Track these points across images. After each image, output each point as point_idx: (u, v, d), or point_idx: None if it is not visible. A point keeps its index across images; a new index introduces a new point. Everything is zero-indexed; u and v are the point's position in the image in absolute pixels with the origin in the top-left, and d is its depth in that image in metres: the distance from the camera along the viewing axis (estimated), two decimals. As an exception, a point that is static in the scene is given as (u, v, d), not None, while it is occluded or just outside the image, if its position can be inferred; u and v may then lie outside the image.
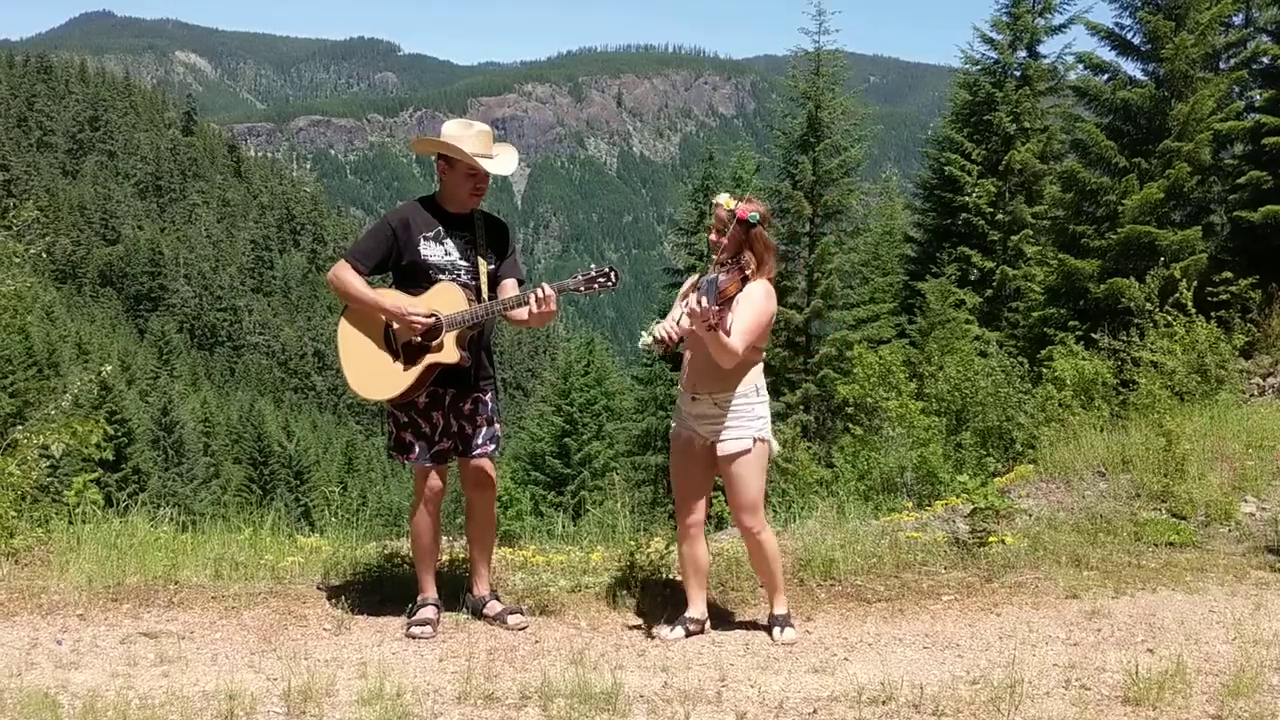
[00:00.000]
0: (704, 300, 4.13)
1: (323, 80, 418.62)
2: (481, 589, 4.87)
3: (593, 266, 4.54)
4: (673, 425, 4.77)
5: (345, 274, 4.58)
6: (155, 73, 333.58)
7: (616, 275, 4.54)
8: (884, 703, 3.97)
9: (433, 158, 4.74)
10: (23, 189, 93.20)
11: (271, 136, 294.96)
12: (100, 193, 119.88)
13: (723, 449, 4.55)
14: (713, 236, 4.60)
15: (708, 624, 4.75)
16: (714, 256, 4.62)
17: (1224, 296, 11.93)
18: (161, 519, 5.94)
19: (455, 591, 4.91)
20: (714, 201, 4.62)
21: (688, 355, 4.63)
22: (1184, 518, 6.45)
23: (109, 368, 10.73)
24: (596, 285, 4.51)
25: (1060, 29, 21.27)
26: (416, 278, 4.58)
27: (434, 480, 4.71)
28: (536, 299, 4.43)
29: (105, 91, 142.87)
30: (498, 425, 4.81)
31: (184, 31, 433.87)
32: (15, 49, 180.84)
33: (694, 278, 4.85)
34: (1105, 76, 15.80)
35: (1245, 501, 6.72)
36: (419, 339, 4.49)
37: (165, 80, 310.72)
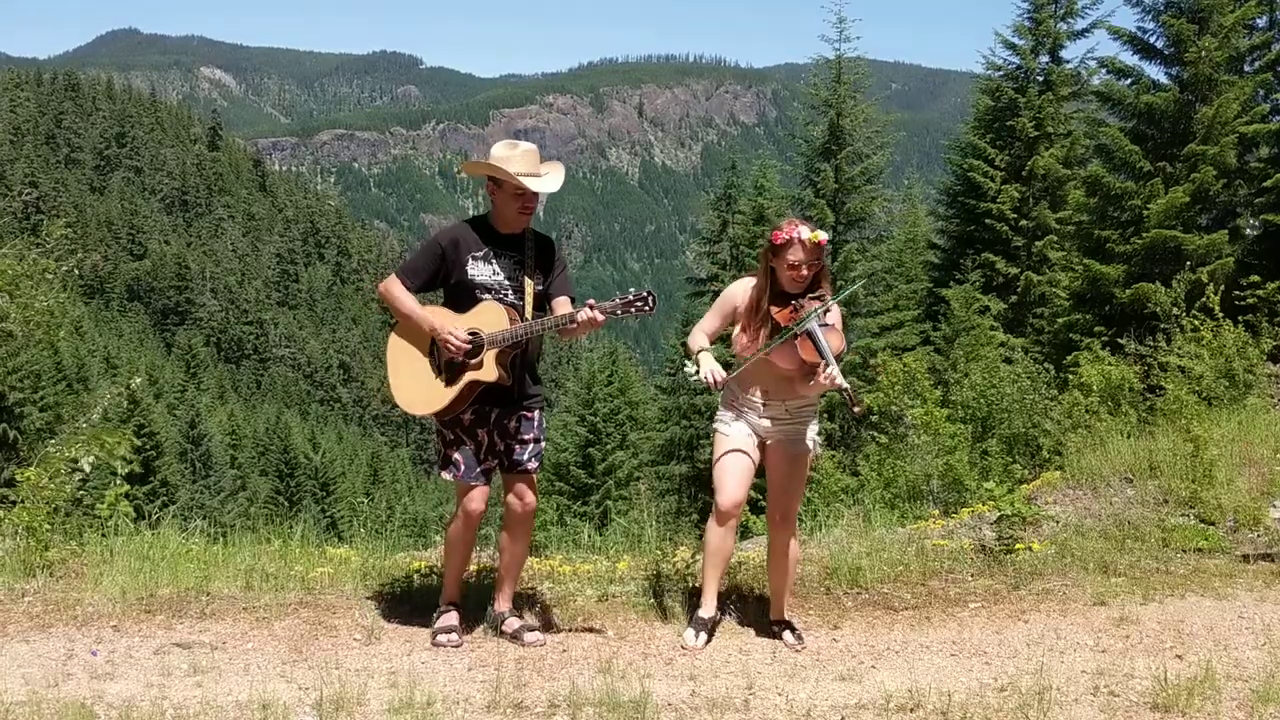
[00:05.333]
0: (835, 375, 4.31)
1: (346, 94, 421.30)
2: (502, 604, 4.86)
3: (631, 291, 4.55)
4: (725, 421, 4.76)
5: (395, 288, 4.65)
6: (181, 89, 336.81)
7: (654, 300, 4.55)
8: (912, 710, 3.98)
9: (480, 179, 4.78)
10: (51, 206, 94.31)
11: (296, 151, 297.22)
12: (127, 208, 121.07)
13: (792, 449, 4.67)
14: (805, 272, 4.54)
15: (719, 620, 4.86)
16: (792, 291, 4.58)
17: (1251, 300, 11.83)
18: (193, 531, 6.01)
19: (483, 601, 4.93)
20: (798, 238, 4.51)
21: (753, 364, 4.63)
22: (1212, 523, 6.42)
23: (139, 380, 10.84)
24: (634, 309, 4.52)
25: (1082, 33, 21.16)
26: (464, 296, 4.62)
27: (476, 499, 4.71)
28: (584, 319, 4.47)
29: (132, 108, 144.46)
30: (543, 443, 4.83)
31: (209, 48, 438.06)
32: (43, 67, 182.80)
33: (742, 289, 4.74)
34: (1128, 81, 15.71)
35: (1274, 507, 6.68)
36: (459, 357, 4.55)
37: (191, 96, 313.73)
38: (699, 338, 4.79)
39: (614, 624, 4.94)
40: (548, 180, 4.70)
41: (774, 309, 4.60)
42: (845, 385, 4.33)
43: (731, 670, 4.40)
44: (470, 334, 4.55)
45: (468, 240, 4.66)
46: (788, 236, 4.51)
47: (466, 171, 4.94)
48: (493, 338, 4.53)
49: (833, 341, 4.45)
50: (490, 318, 4.56)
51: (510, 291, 4.65)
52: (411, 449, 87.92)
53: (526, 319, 4.61)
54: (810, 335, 4.43)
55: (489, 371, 4.54)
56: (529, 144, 4.74)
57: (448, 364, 4.59)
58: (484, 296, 4.60)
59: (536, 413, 4.79)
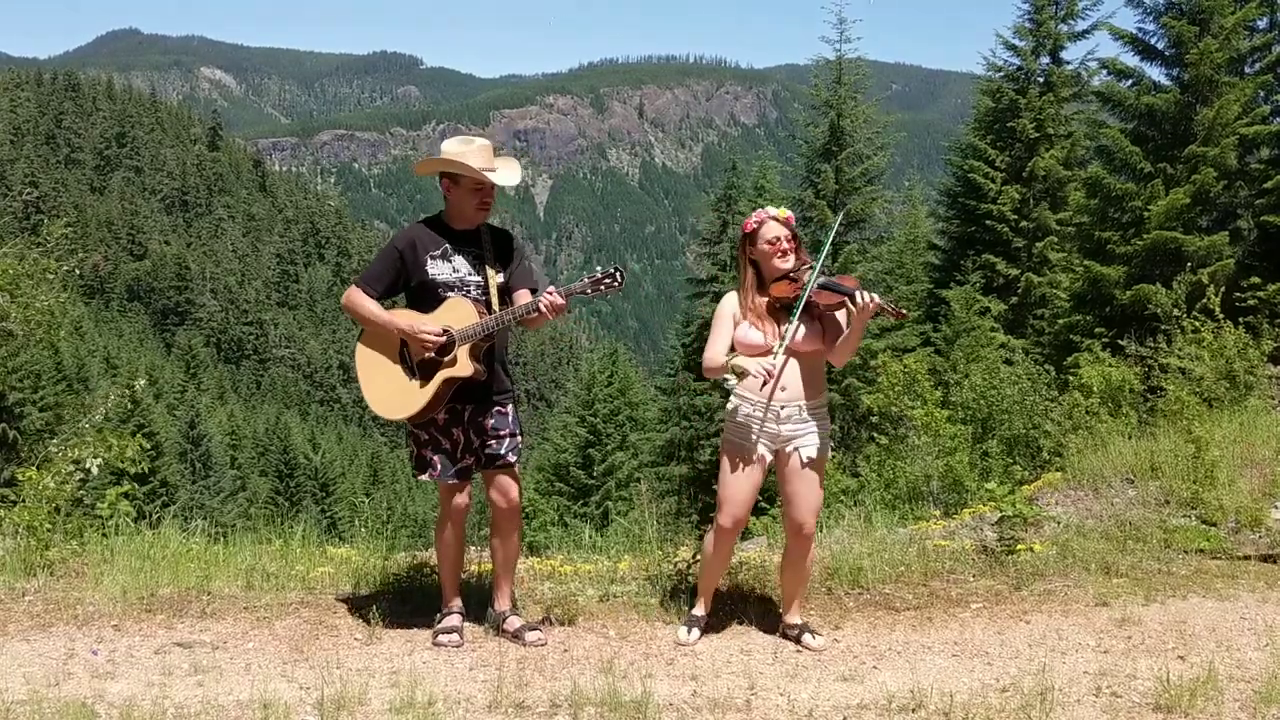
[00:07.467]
0: (870, 296, 4.34)
1: (346, 95, 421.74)
2: (502, 604, 4.86)
3: (598, 268, 4.53)
4: (733, 437, 4.61)
5: (357, 298, 4.63)
6: (181, 89, 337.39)
7: (622, 275, 4.52)
8: (914, 711, 3.97)
9: (436, 177, 4.72)
10: (51, 205, 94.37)
11: (296, 151, 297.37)
12: (127, 208, 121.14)
13: (807, 454, 4.56)
14: (786, 245, 4.59)
15: (711, 619, 4.88)
16: (783, 267, 4.59)
17: (1252, 302, 11.85)
18: (193, 531, 6.01)
19: (485, 602, 4.93)
20: (769, 216, 4.60)
21: (778, 369, 4.49)
22: (1214, 524, 6.42)
23: (142, 381, 10.84)
24: (603, 287, 4.49)
25: (1083, 35, 21.13)
26: (427, 297, 4.60)
27: (458, 497, 4.73)
28: (545, 306, 4.46)
29: (132, 108, 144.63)
30: (520, 437, 4.81)
31: (209, 48, 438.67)
32: (43, 67, 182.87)
33: (733, 299, 4.69)
34: (1129, 82, 15.70)
35: (1276, 508, 6.68)
36: (431, 355, 4.53)
37: (191, 96, 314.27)
38: (718, 355, 4.57)
39: (615, 624, 4.94)
40: (506, 173, 4.67)
41: (775, 292, 4.59)
42: (880, 301, 4.34)
43: (733, 670, 4.40)
44: (440, 331, 4.54)
45: (424, 240, 4.64)
46: (758, 220, 4.61)
47: (420, 171, 4.77)
48: (464, 332, 4.52)
49: (846, 283, 4.48)
50: (459, 313, 4.55)
51: (473, 287, 4.63)
52: (409, 456, 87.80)
53: (494, 311, 4.60)
54: (823, 287, 4.47)
55: (464, 367, 4.53)
56: (483, 139, 4.72)
57: (421, 364, 4.57)
58: (448, 295, 4.58)
59: (510, 406, 4.77)
